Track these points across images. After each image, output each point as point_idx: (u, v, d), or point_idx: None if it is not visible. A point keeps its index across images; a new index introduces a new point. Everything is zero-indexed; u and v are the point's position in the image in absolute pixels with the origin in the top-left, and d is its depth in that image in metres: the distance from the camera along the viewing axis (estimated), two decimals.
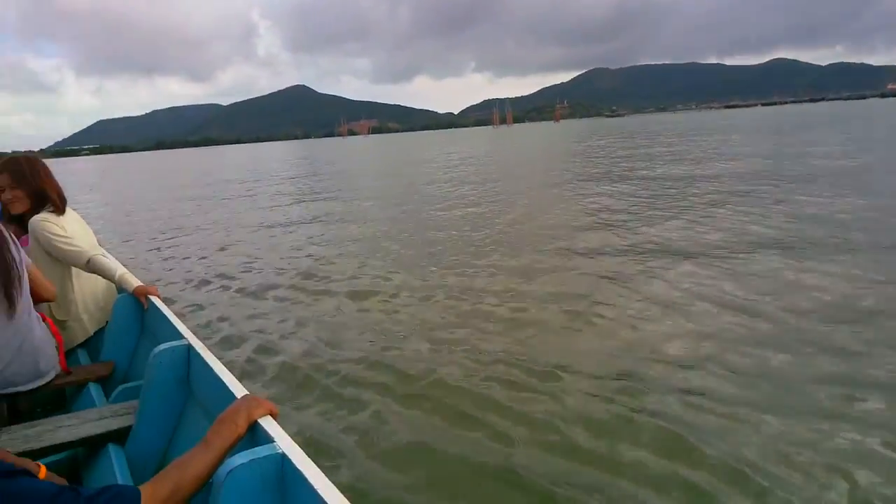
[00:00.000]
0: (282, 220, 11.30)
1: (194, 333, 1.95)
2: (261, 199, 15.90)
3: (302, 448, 1.12)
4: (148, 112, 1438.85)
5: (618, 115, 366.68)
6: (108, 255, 2.60)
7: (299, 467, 1.07)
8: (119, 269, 2.50)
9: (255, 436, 1.20)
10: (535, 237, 7.77)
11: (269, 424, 1.20)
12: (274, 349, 4.28)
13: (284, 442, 1.13)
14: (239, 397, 1.35)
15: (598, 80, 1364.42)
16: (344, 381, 3.63)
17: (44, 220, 2.47)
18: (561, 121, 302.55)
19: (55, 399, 2.41)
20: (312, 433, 3.02)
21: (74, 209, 2.73)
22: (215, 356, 1.69)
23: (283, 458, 1.11)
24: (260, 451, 1.11)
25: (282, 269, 7.02)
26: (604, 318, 4.43)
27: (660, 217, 8.51)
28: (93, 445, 1.85)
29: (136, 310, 2.54)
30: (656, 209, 9.21)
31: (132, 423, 1.84)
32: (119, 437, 1.86)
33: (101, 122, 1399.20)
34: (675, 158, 18.98)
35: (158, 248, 9.17)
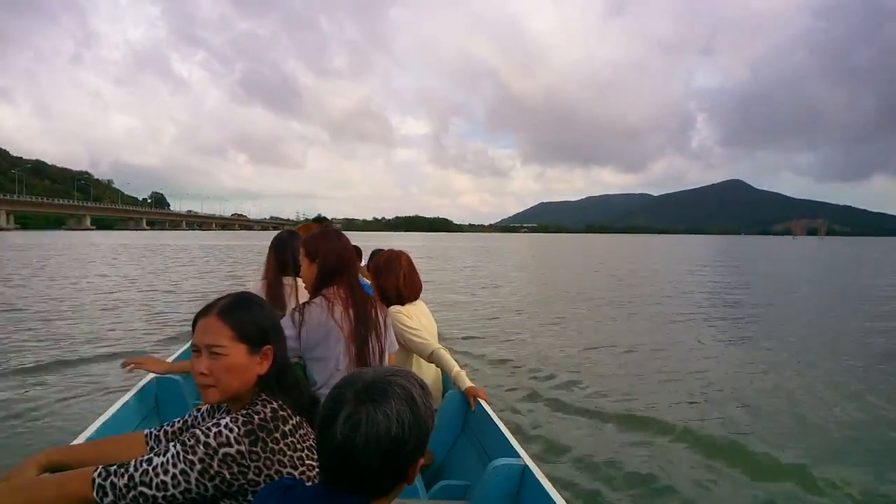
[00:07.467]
0: (676, 328, 10.31)
1: (524, 448, 2.18)
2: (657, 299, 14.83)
3: None
4: (583, 198, 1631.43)
5: None
6: (446, 350, 2.96)
7: None
8: (455, 367, 2.86)
9: None
10: None
11: None
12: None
13: None
14: None
15: None
16: None
17: (398, 312, 2.95)
18: None
19: None
20: None
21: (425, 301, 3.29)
22: (551, 483, 1.88)
23: None
24: None
25: (672, 390, 5.96)
26: None
27: None
28: None
29: (462, 407, 2.85)
30: None
31: None
32: None
33: (542, 204, 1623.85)
34: None
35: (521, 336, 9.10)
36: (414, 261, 3.34)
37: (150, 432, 1.66)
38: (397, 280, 3.10)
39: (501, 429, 2.41)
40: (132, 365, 2.69)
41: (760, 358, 7.74)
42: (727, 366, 7.34)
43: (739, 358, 7.80)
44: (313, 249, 2.40)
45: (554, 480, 1.96)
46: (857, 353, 8.26)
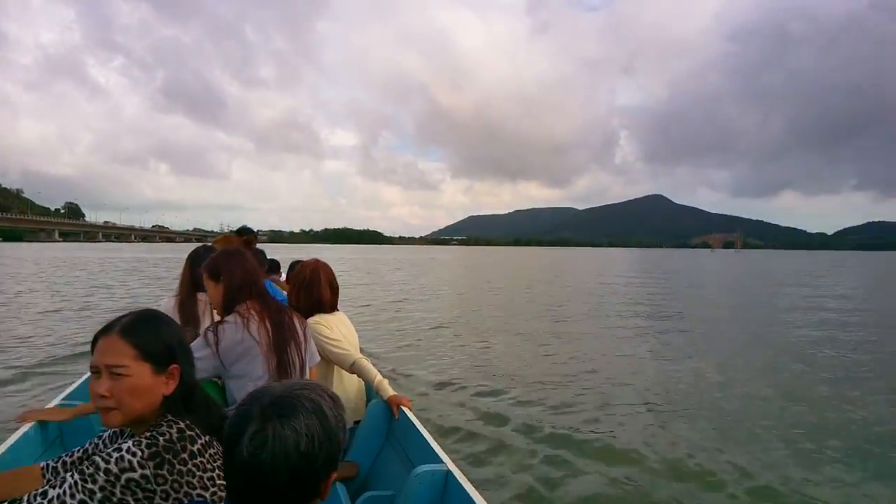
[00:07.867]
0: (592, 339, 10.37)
1: (448, 454, 2.19)
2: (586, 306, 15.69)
3: None
4: (511, 211, 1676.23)
5: None
6: (368, 359, 2.95)
7: None
8: (378, 376, 2.85)
9: None
10: None
11: None
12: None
13: None
14: None
15: None
16: None
17: (316, 323, 2.95)
18: None
19: None
20: None
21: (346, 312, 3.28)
22: (475, 487, 1.92)
23: None
24: None
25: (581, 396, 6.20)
26: None
27: None
28: None
29: (386, 417, 2.82)
30: None
31: None
32: None
33: (471, 217, 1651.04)
34: None
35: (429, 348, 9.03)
36: (338, 274, 3.32)
37: (47, 464, 1.57)
38: (295, 290, 3.11)
39: (425, 436, 2.40)
40: (29, 419, 2.49)
41: (690, 366, 7.94)
42: (654, 374, 7.48)
43: (667, 366, 7.98)
44: (216, 269, 2.36)
45: (476, 484, 1.98)
46: (781, 353, 8.86)
